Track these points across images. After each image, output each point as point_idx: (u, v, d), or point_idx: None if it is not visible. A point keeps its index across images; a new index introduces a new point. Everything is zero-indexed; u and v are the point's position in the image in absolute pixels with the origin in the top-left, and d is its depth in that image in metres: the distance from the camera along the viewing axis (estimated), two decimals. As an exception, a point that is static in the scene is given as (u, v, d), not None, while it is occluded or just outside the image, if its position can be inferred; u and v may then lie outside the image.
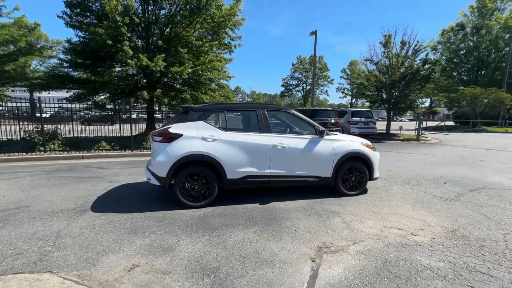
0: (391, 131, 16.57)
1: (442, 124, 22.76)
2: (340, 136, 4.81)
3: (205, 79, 14.79)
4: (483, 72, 27.15)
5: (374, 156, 4.73)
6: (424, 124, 18.60)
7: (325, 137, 4.48)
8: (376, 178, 4.82)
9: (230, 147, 3.99)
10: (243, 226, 3.35)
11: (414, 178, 5.94)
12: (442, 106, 46.46)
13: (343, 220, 3.57)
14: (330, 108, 14.66)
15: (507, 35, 25.06)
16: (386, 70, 15.79)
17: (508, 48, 23.78)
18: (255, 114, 4.37)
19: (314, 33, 22.13)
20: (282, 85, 59.50)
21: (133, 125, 10.59)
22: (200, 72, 13.63)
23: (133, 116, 13.95)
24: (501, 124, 23.85)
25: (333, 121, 12.92)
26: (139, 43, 13.02)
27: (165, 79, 13.97)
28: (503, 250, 2.79)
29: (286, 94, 60.63)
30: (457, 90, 25.97)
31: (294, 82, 58.33)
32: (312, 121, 4.72)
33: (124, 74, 13.40)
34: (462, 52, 27.18)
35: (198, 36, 13.72)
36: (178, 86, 14.79)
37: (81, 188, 5.02)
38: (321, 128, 4.59)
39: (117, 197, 4.52)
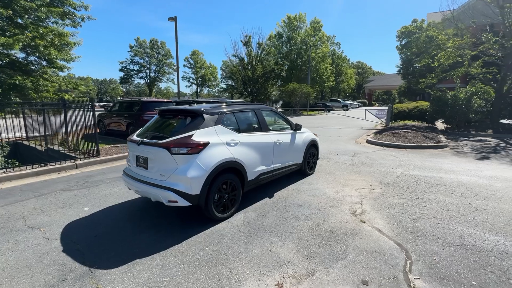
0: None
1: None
2: (303, 129, 5.90)
3: (46, 58, 10.91)
4: (294, 71, 37.64)
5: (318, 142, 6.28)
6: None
7: (298, 131, 5.41)
8: (318, 158, 6.43)
9: (247, 149, 4.00)
10: (281, 214, 3.72)
11: (321, 154, 8.26)
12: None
13: (327, 187, 4.81)
14: (166, 100, 12.67)
15: (304, 47, 36.11)
16: (249, 67, 18.50)
17: (308, 54, 34.37)
18: (254, 114, 4.51)
19: (174, 19, 21.16)
20: (121, 70, 51.37)
21: None
22: (42, 49, 9.95)
23: None
24: (308, 110, 34.80)
25: None
26: None
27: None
28: (410, 183, 5.14)
29: (127, 81, 53.01)
30: (284, 85, 34.60)
31: (136, 68, 52.05)
32: (287, 118, 5.47)
33: None
34: (282, 55, 36.06)
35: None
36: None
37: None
38: (295, 123, 5.46)
39: (98, 241, 3.18)
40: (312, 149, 5.85)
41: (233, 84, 20.06)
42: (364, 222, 3.60)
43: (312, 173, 5.94)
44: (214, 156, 3.45)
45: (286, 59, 35.96)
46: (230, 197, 3.75)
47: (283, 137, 4.87)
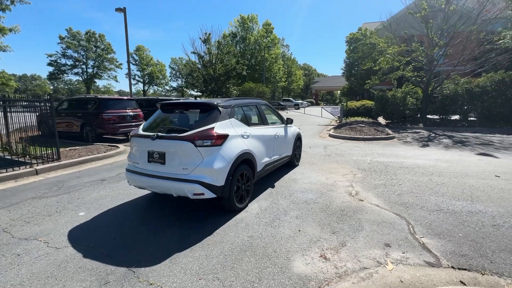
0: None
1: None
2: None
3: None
4: (249, 71, 38.29)
5: (300, 135, 6.77)
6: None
7: (288, 124, 5.78)
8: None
9: (256, 141, 4.18)
10: (291, 200, 4.05)
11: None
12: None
13: (318, 174, 5.33)
14: (127, 97, 11.82)
15: (257, 47, 37.11)
16: (209, 65, 18.26)
17: (263, 55, 35.41)
18: (256, 108, 4.70)
19: (123, 10, 19.45)
20: (50, 64, 44.51)
21: None
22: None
23: None
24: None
25: (131, 113, 10.56)
26: None
27: None
28: (381, 167, 6.00)
29: (57, 77, 46.18)
30: (241, 84, 34.88)
31: (70, 62, 45.75)
32: (278, 112, 5.77)
33: None
34: (239, 55, 36.33)
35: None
36: None
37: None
38: (286, 117, 5.80)
39: (121, 243, 2.97)
40: (298, 142, 6.30)
41: (192, 82, 19.49)
42: (363, 201, 4.16)
43: (298, 164, 6.40)
44: (234, 147, 3.55)
45: (240, 58, 36.39)
46: (246, 187, 3.88)
47: (280, 130, 5.18)
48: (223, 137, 3.42)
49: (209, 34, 17.35)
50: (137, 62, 54.87)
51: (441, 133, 11.80)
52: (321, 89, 62.30)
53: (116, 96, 12.64)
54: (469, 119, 14.79)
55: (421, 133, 11.98)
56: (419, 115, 15.65)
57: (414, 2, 17.03)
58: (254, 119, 4.58)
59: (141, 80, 56.53)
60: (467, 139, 10.04)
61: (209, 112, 3.66)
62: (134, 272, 2.45)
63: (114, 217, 3.68)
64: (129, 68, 19.55)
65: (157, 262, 2.59)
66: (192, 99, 4.55)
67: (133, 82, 57.83)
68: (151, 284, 2.28)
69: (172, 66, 59.44)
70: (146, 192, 4.61)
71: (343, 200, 4.19)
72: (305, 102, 49.69)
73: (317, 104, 55.89)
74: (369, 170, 5.92)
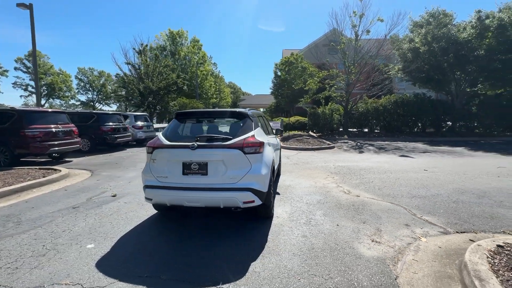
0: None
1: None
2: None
3: None
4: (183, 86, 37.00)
5: (278, 146, 7.25)
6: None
7: (277, 135, 6.16)
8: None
9: (272, 149, 4.39)
10: (306, 202, 4.45)
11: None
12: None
13: (309, 177, 5.92)
14: (55, 110, 9.76)
15: (188, 63, 36.58)
16: (146, 77, 16.93)
17: (194, 71, 34.98)
18: (263, 119, 4.91)
19: (29, 7, 15.99)
20: None
21: None
22: None
23: None
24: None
25: (63, 129, 8.76)
26: None
27: None
28: (347, 170, 7.08)
29: None
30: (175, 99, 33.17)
31: None
32: (270, 124, 6.08)
33: None
34: (179, 69, 34.72)
35: None
36: None
37: None
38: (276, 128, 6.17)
39: (174, 267, 2.62)
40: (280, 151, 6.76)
41: (127, 96, 17.37)
42: (359, 196, 4.90)
43: (281, 173, 6.82)
44: (269, 154, 3.69)
45: (180, 73, 34.91)
46: (274, 194, 4.01)
47: (277, 140, 5.52)
48: (263, 145, 3.53)
49: (146, 45, 16.19)
50: (29, 70, 44.74)
51: (363, 142, 14.54)
52: (247, 106, 65.66)
53: (41, 108, 10.20)
54: (375, 131, 18.74)
55: (350, 143, 14.43)
56: (341, 129, 18.77)
57: (326, 35, 20.90)
58: (266, 128, 4.79)
59: (35, 91, 46.17)
60: (384, 146, 12.77)
61: (242, 121, 3.69)
62: None
63: (138, 242, 3.15)
64: (36, 77, 16.08)
65: (241, 275, 2.47)
66: (216, 109, 4.41)
67: (24, 93, 46.74)
68: (258, 293, 2.19)
69: (79, 77, 51.22)
70: (150, 212, 4.08)
71: (345, 197, 4.82)
72: (235, 119, 51.45)
73: (244, 120, 58.64)
74: (340, 173, 6.89)
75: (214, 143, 3.30)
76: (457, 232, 3.38)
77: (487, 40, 14.28)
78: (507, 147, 11.76)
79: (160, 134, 3.66)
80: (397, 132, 17.49)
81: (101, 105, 53.78)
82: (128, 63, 16.11)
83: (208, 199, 3.19)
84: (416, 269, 2.54)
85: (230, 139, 3.34)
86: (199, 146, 3.23)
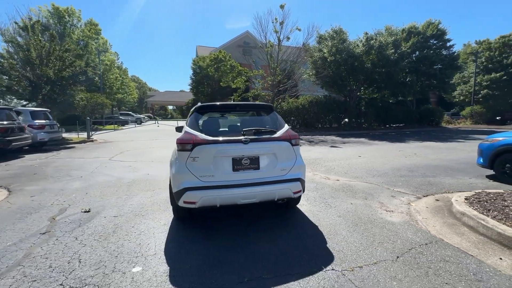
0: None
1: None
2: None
3: None
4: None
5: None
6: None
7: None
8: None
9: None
10: (321, 189, 4.96)
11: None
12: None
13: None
14: None
15: (85, 48, 30.23)
16: (40, 62, 13.05)
17: (98, 58, 29.17)
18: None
19: None
20: None
21: None
22: None
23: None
24: (104, 124, 29.54)
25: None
26: None
27: None
28: (306, 161, 8.02)
29: None
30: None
31: None
32: None
33: None
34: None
35: None
36: None
37: None
38: None
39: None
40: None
41: (10, 86, 12.48)
42: (339, 180, 5.76)
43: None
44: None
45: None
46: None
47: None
48: (297, 137, 3.71)
49: (38, 21, 12.18)
50: None
51: (292, 137, 16.35)
52: (157, 103, 60.36)
53: None
54: (296, 127, 21.33)
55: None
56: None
57: (241, 36, 22.08)
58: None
59: None
60: (311, 140, 14.82)
61: (270, 114, 3.73)
62: (344, 275, 2.43)
63: (188, 252, 2.76)
64: None
65: (329, 256, 2.66)
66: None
67: None
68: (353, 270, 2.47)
69: None
70: (164, 221, 3.55)
71: (330, 182, 5.58)
72: (145, 117, 46.34)
73: (154, 119, 53.54)
74: (319, 164, 7.71)
75: (263, 136, 3.25)
76: (424, 196, 4.63)
77: (371, 56, 18.81)
78: (389, 137, 15.96)
79: (190, 129, 3.25)
80: (312, 127, 20.51)
81: None
82: (8, 41, 11.78)
83: (264, 193, 3.13)
84: (431, 222, 3.43)
85: (275, 132, 3.36)
86: (252, 140, 3.12)
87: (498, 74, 26.63)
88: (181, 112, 65.38)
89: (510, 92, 27.15)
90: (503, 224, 2.92)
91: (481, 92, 27.95)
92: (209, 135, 3.14)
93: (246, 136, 3.15)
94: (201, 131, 3.20)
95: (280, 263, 2.54)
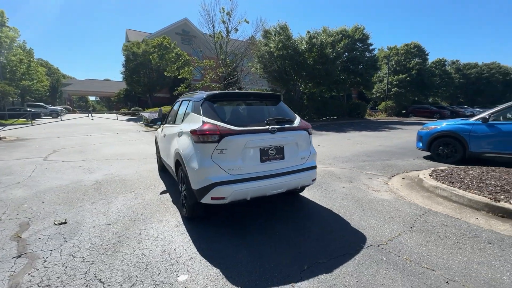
0: None
1: None
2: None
3: None
4: None
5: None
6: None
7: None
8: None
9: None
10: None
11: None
12: None
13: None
14: None
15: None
16: None
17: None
18: None
19: None
20: None
21: None
22: None
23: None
24: (6, 118, 23.40)
25: None
26: None
27: None
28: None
29: None
30: None
31: None
32: None
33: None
34: None
35: None
36: None
37: None
38: None
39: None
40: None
41: None
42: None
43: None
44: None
45: None
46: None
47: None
48: (309, 127, 3.80)
49: None
50: None
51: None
52: (75, 93, 51.58)
53: None
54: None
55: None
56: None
57: (179, 24, 20.93)
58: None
59: None
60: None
61: (279, 104, 3.70)
62: (383, 248, 2.67)
63: (224, 253, 2.59)
64: None
65: (385, 239, 2.90)
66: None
67: None
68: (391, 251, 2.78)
69: None
70: (173, 224, 3.21)
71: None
72: (61, 109, 39.00)
73: (73, 111, 45.53)
74: None
75: (288, 125, 3.23)
76: (392, 176, 5.41)
77: (313, 54, 20.39)
78: (330, 128, 17.78)
79: (208, 119, 2.97)
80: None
81: None
82: None
83: (290, 182, 3.14)
84: (413, 197, 4.07)
85: (293, 121, 3.39)
86: (279, 130, 3.07)
87: (404, 75, 32.61)
88: (108, 104, 57.64)
89: (411, 90, 33.69)
90: (469, 192, 3.72)
91: (392, 90, 33.75)
92: (238, 126, 2.95)
93: (272, 126, 3.08)
94: (226, 121, 2.97)
95: (325, 248, 2.63)
